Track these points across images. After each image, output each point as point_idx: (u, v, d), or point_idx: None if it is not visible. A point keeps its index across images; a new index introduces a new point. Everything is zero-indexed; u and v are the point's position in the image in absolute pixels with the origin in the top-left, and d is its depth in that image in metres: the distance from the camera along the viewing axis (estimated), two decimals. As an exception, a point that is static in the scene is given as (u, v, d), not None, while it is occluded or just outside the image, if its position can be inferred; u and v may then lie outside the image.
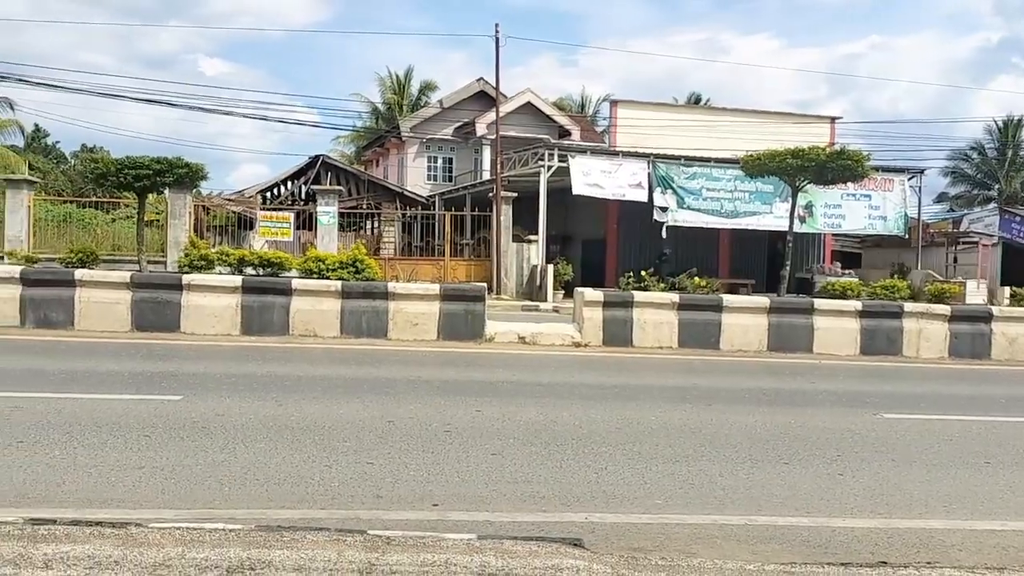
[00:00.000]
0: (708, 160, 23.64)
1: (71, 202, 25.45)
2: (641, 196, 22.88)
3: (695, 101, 49.28)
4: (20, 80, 26.94)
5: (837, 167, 13.79)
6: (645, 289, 12.74)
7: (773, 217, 23.62)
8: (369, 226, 30.83)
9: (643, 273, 13.32)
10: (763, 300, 12.67)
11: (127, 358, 9.46)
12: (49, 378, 7.99)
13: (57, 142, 59.11)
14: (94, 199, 25.23)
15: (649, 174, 22.97)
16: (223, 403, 7.02)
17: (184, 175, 12.77)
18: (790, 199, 21.11)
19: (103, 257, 14.75)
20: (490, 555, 3.45)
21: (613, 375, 9.98)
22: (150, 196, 15.54)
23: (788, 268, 14.35)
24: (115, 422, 6.16)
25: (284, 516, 4.24)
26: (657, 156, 23.42)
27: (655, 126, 27.01)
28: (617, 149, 24.66)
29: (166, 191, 19.85)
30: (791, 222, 14.87)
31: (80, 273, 11.51)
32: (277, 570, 3.16)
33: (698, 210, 23.28)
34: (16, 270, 11.56)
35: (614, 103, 28.74)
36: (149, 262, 14.74)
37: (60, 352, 9.73)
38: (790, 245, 14.73)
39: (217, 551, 3.33)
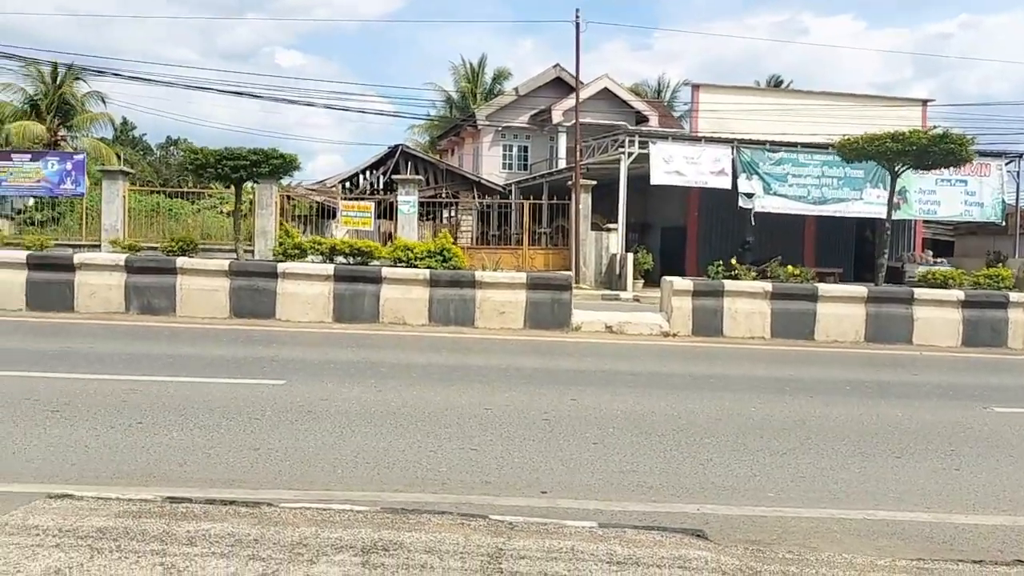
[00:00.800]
0: (794, 145, 23.05)
1: (160, 192, 26.41)
2: (724, 183, 22.48)
3: (776, 84, 48.12)
4: (115, 75, 28.03)
5: (939, 151, 13.26)
6: (735, 278, 12.51)
7: (863, 203, 22.91)
8: (445, 215, 31.11)
9: (733, 261, 13.08)
10: (860, 289, 12.29)
11: (229, 343, 9.77)
12: (159, 362, 8.29)
13: (144, 134, 61.37)
14: (182, 189, 26.07)
15: (733, 160, 22.53)
16: (325, 388, 7.17)
17: (279, 165, 13.10)
18: (881, 185, 20.53)
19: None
20: (615, 543, 3.43)
21: (706, 365, 9.84)
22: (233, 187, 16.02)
23: (885, 256, 13.89)
24: (226, 405, 6.36)
25: (399, 499, 4.30)
26: (741, 141, 22.95)
27: (737, 110, 26.48)
28: (699, 135, 24.26)
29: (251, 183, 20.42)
30: (889, 209, 14.38)
31: (181, 261, 11.93)
32: (409, 551, 3.21)
33: (785, 196, 22.74)
34: (121, 258, 12.05)
35: (695, 87, 28.27)
36: (236, 251, 15.17)
37: (165, 337, 10.10)
38: (888, 233, 14.26)
39: (349, 532, 3.40)
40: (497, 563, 3.14)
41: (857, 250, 27.86)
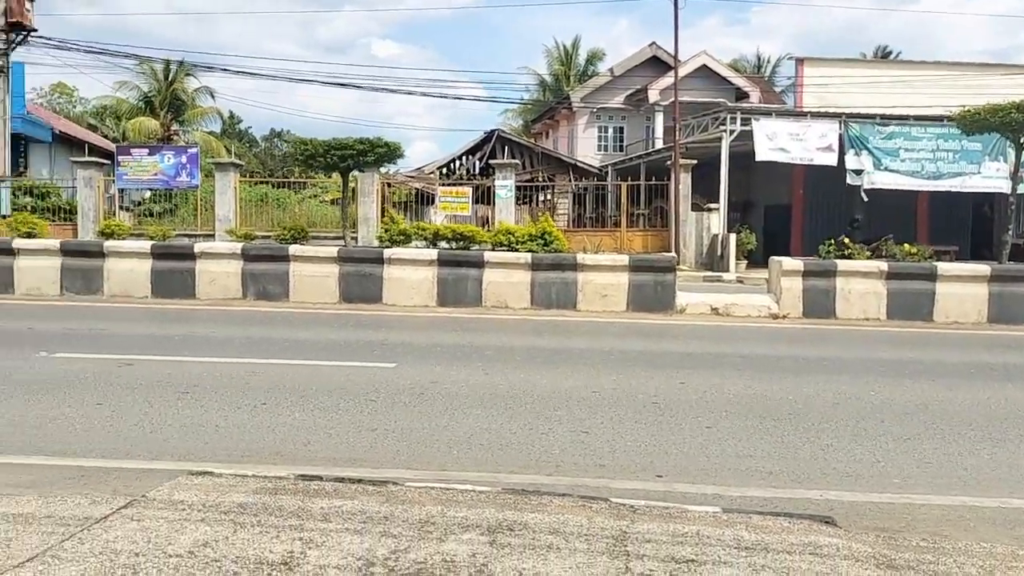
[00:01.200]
0: (906, 118, 22.00)
1: (267, 183, 27.36)
2: (831, 159, 21.66)
3: (883, 55, 46.01)
4: (223, 70, 29.17)
5: (1070, 121, 12.43)
6: (847, 257, 12.08)
7: (981, 177, 21.69)
8: (540, 198, 31.12)
9: (845, 240, 12.62)
10: (982, 267, 11.67)
11: (340, 327, 10.08)
12: (277, 345, 8.63)
13: (249, 127, 63.67)
14: (287, 180, 26.93)
15: (840, 135, 21.68)
16: (434, 371, 7.31)
17: (383, 154, 13.39)
18: (1002, 158, 19.38)
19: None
20: (741, 528, 3.38)
21: (819, 347, 9.54)
22: (335, 176, 16.39)
23: (1009, 233, 13.14)
24: (342, 386, 6.56)
25: (515, 481, 4.35)
26: (849, 116, 22.05)
27: (843, 84, 25.45)
28: (804, 110, 23.45)
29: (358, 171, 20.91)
30: (1013, 182, 13.57)
31: (294, 248, 12.37)
32: (534, 532, 3.24)
33: (896, 171, 21.73)
34: (238, 246, 12.58)
35: (799, 61, 27.29)
36: (343, 238, 15.59)
37: (280, 322, 10.50)
38: (1012, 208, 13.47)
39: (474, 511, 3.47)
40: (622, 545, 3.14)
41: (974, 227, 26.43)
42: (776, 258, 12.30)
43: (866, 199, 21.47)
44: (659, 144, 30.55)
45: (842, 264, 11.64)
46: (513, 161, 25.43)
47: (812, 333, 10.58)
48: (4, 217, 20.18)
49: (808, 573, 2.96)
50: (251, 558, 2.93)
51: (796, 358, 8.74)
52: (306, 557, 2.94)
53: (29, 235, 13.21)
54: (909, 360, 8.67)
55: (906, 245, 12.39)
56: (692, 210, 23.32)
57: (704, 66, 33.23)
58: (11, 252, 12.61)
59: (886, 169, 21.69)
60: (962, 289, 11.38)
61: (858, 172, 21.63)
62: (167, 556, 2.93)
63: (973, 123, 13.55)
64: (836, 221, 23.25)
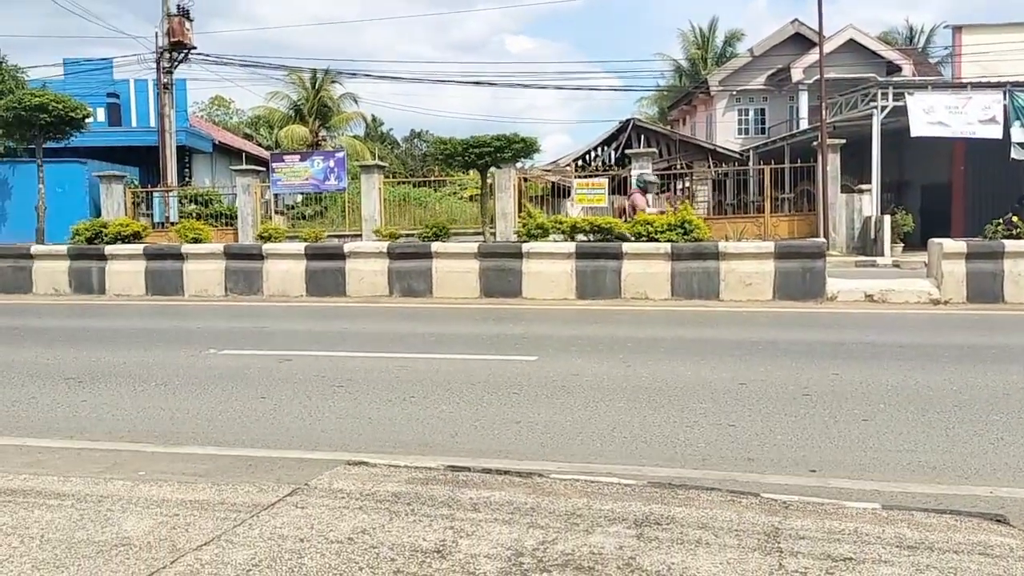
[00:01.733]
0: (1081, 84, 20.12)
1: (408, 183, 28.25)
2: (995, 132, 20.10)
3: (1056, 15, 42.17)
4: (366, 75, 30.36)
5: None
6: (1017, 237, 11.19)
7: None
8: (678, 186, 30.53)
9: (1014, 219, 11.70)
10: None
11: (482, 322, 10.29)
12: (423, 340, 8.92)
13: (390, 129, 65.84)
14: (427, 179, 27.68)
15: (1005, 106, 20.07)
16: (575, 363, 7.34)
17: (520, 149, 13.56)
18: None
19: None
20: (902, 527, 3.22)
21: (985, 335, 8.90)
22: (472, 173, 16.64)
23: None
24: (485, 380, 6.70)
25: (660, 474, 4.30)
26: (1015, 84, 20.37)
27: (1007, 51, 23.54)
28: (963, 81, 21.87)
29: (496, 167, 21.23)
30: None
31: (436, 246, 12.73)
32: (682, 526, 3.21)
33: None
34: (384, 245, 13.08)
35: (957, 29, 25.50)
36: (483, 233, 15.87)
37: (425, 317, 10.84)
38: None
39: (619, 504, 3.47)
40: (775, 542, 3.06)
41: None
42: (936, 240, 11.55)
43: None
44: (804, 125, 29.28)
45: (1010, 244, 10.79)
46: (650, 150, 25.08)
47: (978, 319, 9.87)
48: (173, 224, 21.84)
49: (978, 574, 2.79)
50: (406, 545, 3.06)
51: (960, 346, 8.19)
52: (457, 546, 3.04)
53: (196, 240, 14.23)
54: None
55: (1088, 222, 11.35)
56: (841, 192, 22.23)
57: (851, 40, 31.57)
58: (180, 257, 13.65)
59: (1056, 141, 19.91)
60: None
61: (1023, 146, 19.96)
62: (329, 542, 3.10)
63: None
64: (1002, 199, 21.54)
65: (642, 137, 29.67)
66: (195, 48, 26.53)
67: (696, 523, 3.25)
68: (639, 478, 4.12)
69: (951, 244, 11.15)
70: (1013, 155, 20.11)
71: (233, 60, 38.75)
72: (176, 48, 25.97)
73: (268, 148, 37.38)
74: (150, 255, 13.87)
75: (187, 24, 26.02)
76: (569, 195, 24.21)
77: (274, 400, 6.14)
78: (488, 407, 5.85)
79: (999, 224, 11.59)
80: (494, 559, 2.93)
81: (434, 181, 27.74)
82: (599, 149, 32.43)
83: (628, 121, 30.39)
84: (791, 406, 5.73)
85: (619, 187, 24.52)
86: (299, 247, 13.53)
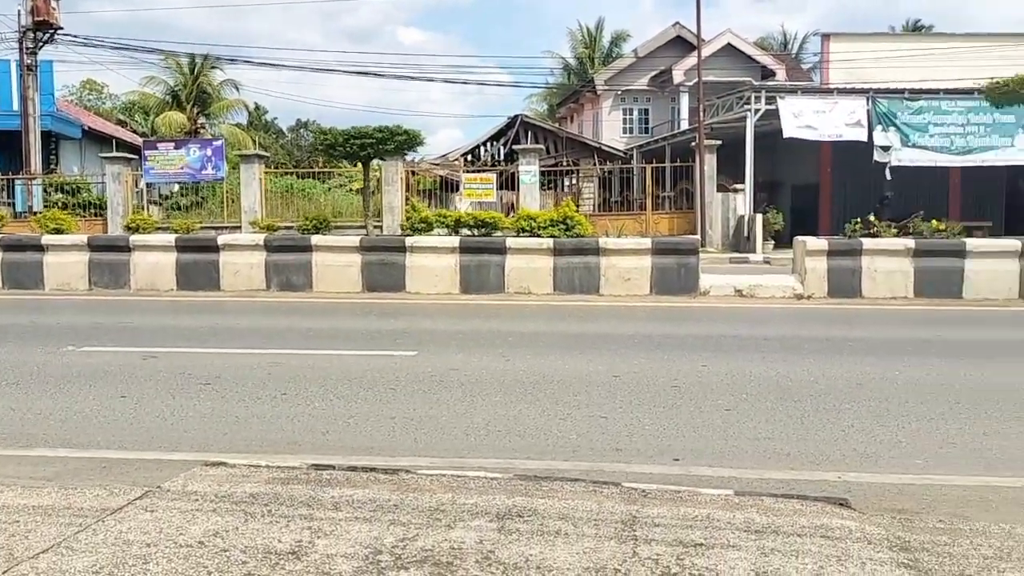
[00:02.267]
0: (936, 92, 21.56)
1: (292, 173, 27.52)
2: (860, 135, 21.31)
3: (915, 28, 45.11)
4: (246, 62, 29.34)
5: (1103, 88, 12.12)
6: (874, 235, 11.90)
7: (1015, 151, 21.22)
8: (566, 183, 30.99)
9: (872, 218, 12.43)
10: (1014, 243, 11.43)
11: (362, 316, 10.14)
12: (299, 336, 8.70)
13: (275, 118, 64.05)
14: (312, 170, 27.06)
15: (868, 111, 21.31)
16: (455, 358, 7.32)
17: (404, 142, 13.42)
18: (1037, 129, 18.95)
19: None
20: (753, 511, 3.35)
21: (844, 328, 9.42)
22: (359, 164, 16.40)
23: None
24: (362, 376, 6.60)
25: (531, 467, 4.34)
26: (877, 91, 21.66)
27: (872, 59, 25.01)
28: (831, 86, 23.08)
29: (376, 160, 20.95)
30: (1045, 155, 13.26)
31: (316, 239, 12.46)
32: (543, 517, 3.24)
33: (924, 147, 21.34)
34: (261, 238, 12.70)
35: (826, 37, 26.88)
36: (366, 227, 15.64)
37: (303, 312, 10.58)
38: (1045, 180, 13.17)
39: (484, 498, 3.47)
40: (631, 530, 3.13)
41: (1008, 201, 25.89)
42: (800, 238, 12.15)
43: (889, 177, 21.13)
44: (684, 125, 30.24)
45: (868, 242, 11.48)
46: (537, 146, 25.33)
47: (837, 313, 10.44)
48: (36, 214, 20.54)
49: (818, 556, 2.93)
50: (259, 547, 2.96)
51: (820, 339, 8.64)
52: (314, 546, 2.97)
53: (57, 231, 13.43)
54: (936, 339, 8.53)
55: (934, 222, 12.17)
56: (718, 191, 23.09)
57: (729, 45, 32.79)
58: (40, 248, 12.85)
59: (914, 145, 21.31)
60: (992, 265, 11.17)
61: (885, 149, 21.27)
62: (177, 546, 2.97)
63: (1002, 94, 13.29)
64: (865, 199, 22.88)
65: (530, 133, 29.93)
66: (62, 28, 25.01)
67: (557, 514, 3.29)
68: (507, 471, 4.14)
69: (814, 242, 11.75)
70: (876, 157, 21.37)
71: (104, 42, 36.65)
72: (41, 28, 24.41)
73: (143, 135, 35.63)
74: (6, 246, 13.00)
75: (53, 3, 24.48)
76: (458, 189, 24.18)
77: (135, 399, 5.85)
78: (363, 403, 5.76)
79: (858, 223, 12.29)
80: (351, 558, 2.87)
81: (320, 173, 27.15)
82: (488, 144, 32.53)
83: (516, 117, 30.59)
84: (660, 397, 5.90)
85: (507, 182, 24.68)
86: (169, 239, 12.98)
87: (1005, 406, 5.67)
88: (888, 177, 21.13)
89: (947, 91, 21.53)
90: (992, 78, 13.88)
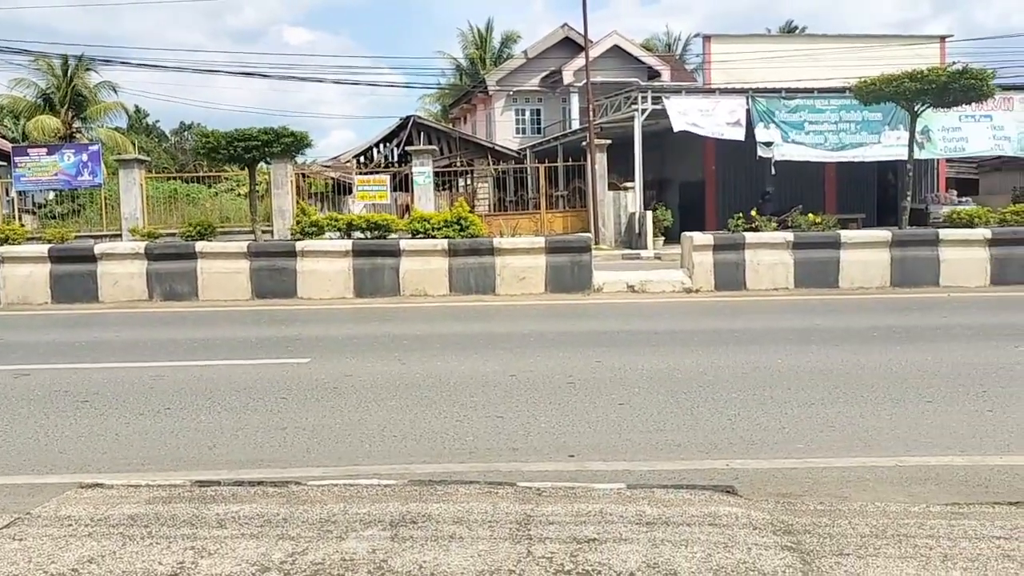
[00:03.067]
0: (811, 91, 22.65)
1: (177, 178, 26.50)
2: (739, 134, 22.18)
3: (790, 30, 47.21)
4: (122, 63, 28.08)
5: (960, 88, 12.93)
6: (756, 230, 12.37)
7: (882, 147, 22.53)
8: (461, 184, 30.99)
9: (753, 213, 12.92)
10: (884, 234, 12.12)
11: (252, 324, 9.83)
12: (184, 347, 8.36)
13: (157, 121, 61.46)
14: (198, 174, 26.13)
15: (748, 110, 22.20)
16: (349, 364, 7.20)
17: (290, 144, 13.09)
18: (901, 126, 20.16)
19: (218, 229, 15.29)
20: (643, 504, 3.41)
21: (730, 319, 9.76)
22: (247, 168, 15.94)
23: (909, 198, 13.67)
24: (251, 386, 6.39)
25: (427, 471, 4.30)
26: (756, 91, 22.58)
27: (751, 60, 26.05)
28: (713, 87, 23.91)
29: (264, 162, 20.39)
30: (910, 149, 14.10)
31: (200, 245, 12.00)
32: (438, 522, 3.21)
33: (802, 144, 22.41)
34: (141, 246, 12.13)
35: (707, 39, 27.83)
36: (254, 232, 15.22)
37: (189, 322, 10.17)
38: (910, 174, 14.01)
39: (377, 506, 3.41)
40: (526, 530, 3.13)
41: (880, 194, 27.48)
42: (687, 233, 12.52)
43: (774, 172, 22.08)
44: (575, 125, 30.73)
45: (750, 236, 11.93)
46: (430, 147, 25.21)
47: (723, 306, 10.81)
48: None
49: (707, 544, 3.00)
50: (138, 572, 2.81)
51: (708, 331, 8.92)
52: (197, 567, 2.84)
53: (-86, 244, 12.48)
54: (815, 327, 8.93)
55: (811, 215, 12.76)
56: (609, 189, 23.56)
57: (616, 46, 33.53)
58: None
59: (792, 142, 22.33)
60: (865, 255, 11.79)
61: (767, 145, 22.21)
62: (48, 576, 2.79)
63: (869, 93, 14.01)
64: (748, 195, 23.84)
65: (423, 134, 29.76)
66: (-87, 25, 23.27)
67: (452, 518, 3.26)
68: (402, 477, 4.09)
69: (700, 237, 12.13)
70: (760, 153, 22.27)
71: (-36, 41, 34.29)
72: None
73: (14, 141, 33.55)
74: None
75: (-98, -3, 22.75)
76: (351, 192, 23.81)
77: (4, 420, 5.49)
78: (252, 414, 5.57)
79: (740, 218, 12.75)
80: (237, 577, 2.76)
81: (206, 177, 26.21)
82: (381, 146, 32.14)
83: (408, 118, 30.36)
84: (555, 395, 5.95)
85: (402, 183, 24.47)
86: (42, 249, 12.25)
87: (880, 389, 5.97)
88: (772, 172, 22.06)
89: (820, 90, 22.65)
90: (861, 77, 14.63)
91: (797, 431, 5.02)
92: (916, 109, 13.63)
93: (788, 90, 22.76)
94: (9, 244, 12.67)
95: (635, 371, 6.67)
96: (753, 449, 4.69)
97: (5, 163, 23.07)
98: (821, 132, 22.51)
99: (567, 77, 33.27)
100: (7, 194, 22.53)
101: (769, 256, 11.75)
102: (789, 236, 11.92)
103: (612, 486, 3.73)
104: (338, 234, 12.78)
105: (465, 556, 2.90)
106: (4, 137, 36.09)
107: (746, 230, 12.42)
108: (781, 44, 29.35)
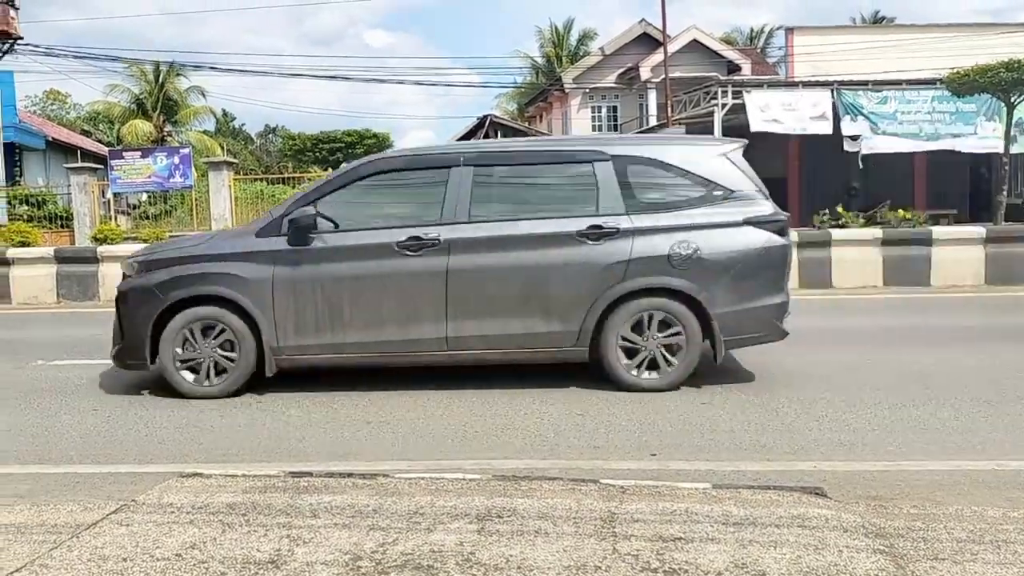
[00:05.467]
0: (899, 83, 21.86)
1: (262, 179, 27.31)
2: (825, 128, 21.53)
3: (876, 20, 45.69)
4: (211, 68, 29.07)
5: (1059, 77, 12.36)
6: (842, 226, 12.03)
7: (977, 139, 21.55)
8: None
9: (839, 209, 12.57)
10: (977, 230, 11.65)
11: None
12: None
13: (243, 124, 63.54)
14: (282, 175, 26.84)
15: (834, 103, 21.55)
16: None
17: (372, 145, 13.38)
18: (997, 118, 19.28)
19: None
20: (730, 504, 3.38)
21: (815, 319, 9.49)
22: (329, 169, 16.32)
23: (1005, 193, 13.09)
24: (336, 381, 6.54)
25: (510, 466, 4.34)
26: (842, 83, 21.90)
27: (836, 52, 25.30)
28: (795, 80, 23.31)
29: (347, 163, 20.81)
30: (1006, 142, 13.51)
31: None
32: (523, 517, 3.24)
33: (895, 135, 21.56)
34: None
35: (790, 31, 27.13)
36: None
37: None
38: (1006, 168, 13.41)
39: (463, 499, 3.47)
40: (611, 527, 3.14)
41: (973, 189, 26.32)
42: (771, 231, 12.23)
43: (862, 165, 21.35)
44: (653, 122, 30.40)
45: (836, 233, 11.62)
46: (507, 146, 25.28)
47: (809, 304, 10.52)
48: (3, 227, 20.19)
49: (796, 545, 2.96)
50: (238, 558, 2.94)
51: (792, 330, 8.70)
52: (293, 554, 2.95)
53: (23, 244, 13.21)
54: (905, 326, 8.65)
55: (901, 211, 12.34)
56: (689, 186, 23.18)
57: (695, 41, 33.02)
58: (6, 262, 12.62)
59: (884, 133, 21.52)
60: (958, 252, 11.36)
61: (854, 138, 21.48)
62: (154, 560, 2.94)
63: (962, 85, 13.47)
64: (834, 190, 23.13)
65: (499, 133, 29.92)
66: (21, 38, 24.61)
67: (536, 513, 3.29)
68: (486, 472, 4.14)
69: (784, 234, 11.85)
70: (845, 147, 21.55)
71: (67, 52, 36.28)
72: (0, 38, 24.01)
73: (109, 145, 35.17)
74: (-29, 261, 12.76)
75: (12, 13, 24.09)
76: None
77: (107, 412, 5.78)
78: (339, 408, 5.72)
79: (826, 214, 12.43)
80: (331, 565, 2.86)
81: (290, 178, 26.92)
82: (458, 145, 32.46)
83: (486, 117, 30.58)
84: (634, 393, 5.91)
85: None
86: (138, 249, 12.78)
87: (975, 390, 5.76)
88: (861, 166, 21.34)
89: (910, 82, 21.84)
90: (953, 68, 14.07)
91: (888, 433, 4.88)
92: (1012, 100, 13.02)
93: (876, 82, 22.02)
94: (108, 244, 13.28)
95: (717, 371, 6.58)
96: (842, 451, 4.58)
97: (102, 166, 24.16)
98: (915, 122, 21.65)
99: (644, 73, 32.95)
100: (103, 196, 23.58)
101: (857, 253, 11.42)
102: (878, 233, 11.56)
103: (697, 485, 3.71)
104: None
105: (551, 551, 2.93)
106: (100, 141, 37.87)
107: (832, 226, 12.09)
108: (868, 35, 28.42)
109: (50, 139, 29.20)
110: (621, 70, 34.82)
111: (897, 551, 2.95)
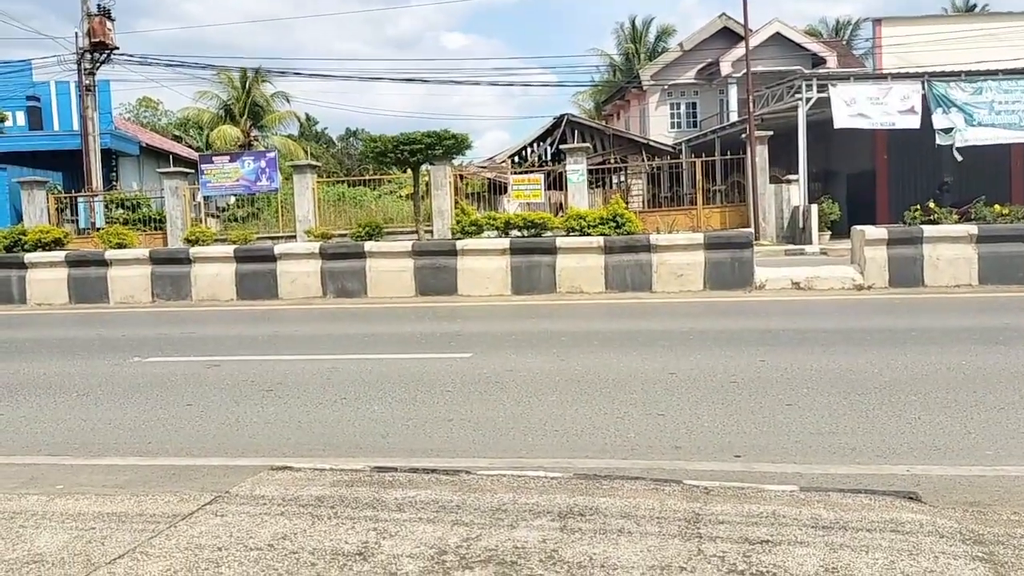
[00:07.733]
0: (994, 73, 20.88)
1: (344, 182, 27.89)
2: (914, 122, 20.72)
3: (967, 9, 43.78)
4: (295, 74, 29.90)
5: None
6: (935, 222, 11.60)
7: (1082, 129, 20.43)
8: (614, 180, 30.82)
9: (931, 204, 12.11)
10: (1084, 225, 11.06)
11: (416, 320, 10.23)
12: (356, 341, 8.83)
13: (325, 128, 64.98)
14: (363, 178, 27.37)
15: (924, 95, 20.73)
16: (510, 359, 7.34)
17: (451, 146, 13.54)
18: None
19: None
20: (819, 507, 3.30)
21: (906, 318, 9.20)
22: (408, 170, 16.52)
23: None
24: (419, 379, 6.65)
25: (589, 465, 4.33)
26: (932, 75, 21.07)
27: (925, 43, 24.37)
28: (883, 72, 22.53)
29: (425, 165, 21.08)
30: (1113, 133, 12.76)
31: (369, 245, 12.62)
32: (605, 516, 3.24)
33: (992, 125, 20.56)
34: (316, 246, 12.91)
35: (877, 22, 26.29)
36: (417, 232, 15.77)
37: (360, 318, 10.73)
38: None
39: (545, 497, 3.48)
40: (695, 527, 3.11)
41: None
42: (858, 227, 11.90)
43: (960, 158, 20.45)
44: (733, 117, 29.85)
45: (928, 230, 11.19)
46: (583, 145, 25.22)
47: (899, 303, 10.20)
48: (99, 230, 21.19)
49: (889, 551, 2.87)
50: (327, 549, 3.02)
51: (882, 330, 8.45)
52: (380, 547, 3.01)
53: (120, 246, 13.85)
54: (1003, 327, 8.26)
55: (997, 206, 11.80)
56: (770, 183, 22.70)
57: (777, 34, 32.29)
58: (104, 263, 13.25)
59: (980, 124, 20.57)
60: (1062, 249, 10.80)
61: (947, 131, 20.61)
62: (248, 549, 3.04)
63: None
64: (924, 186, 22.28)
65: (576, 132, 29.85)
66: (117, 48, 25.74)
67: (619, 513, 3.28)
68: (567, 470, 4.14)
69: (873, 231, 11.50)
70: (938, 141, 20.69)
71: (159, 60, 37.86)
72: (97, 49, 25.17)
73: (198, 150, 36.53)
74: (72, 262, 13.45)
75: (108, 24, 25.24)
76: (506, 191, 24.22)
77: (200, 407, 6.00)
78: (421, 406, 5.81)
79: (917, 210, 11.99)
80: (417, 558, 2.91)
81: (370, 180, 27.43)
82: (535, 145, 32.50)
83: (562, 116, 30.53)
84: (718, 393, 5.83)
85: (555, 182, 24.63)
86: (228, 250, 13.26)
87: (1077, 394, 5.47)
88: (959, 158, 20.45)
89: (1005, 71, 20.86)
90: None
91: (985, 437, 4.68)
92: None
93: (968, 73, 21.10)
94: (199, 246, 13.79)
95: (803, 371, 6.43)
96: (936, 455, 4.42)
97: (192, 170, 25.11)
98: (1014, 112, 20.61)
99: (725, 68, 32.38)
100: (194, 199, 24.50)
101: (950, 250, 10.97)
102: (973, 229, 11.08)
103: (784, 488, 3.63)
104: (496, 232, 13.06)
105: (634, 551, 2.91)
106: (190, 146, 39.35)
107: (924, 222, 11.66)
108: (958, 24, 27.25)
109: (144, 145, 30.50)
110: (701, 65, 34.31)
111: (997, 559, 2.83)
